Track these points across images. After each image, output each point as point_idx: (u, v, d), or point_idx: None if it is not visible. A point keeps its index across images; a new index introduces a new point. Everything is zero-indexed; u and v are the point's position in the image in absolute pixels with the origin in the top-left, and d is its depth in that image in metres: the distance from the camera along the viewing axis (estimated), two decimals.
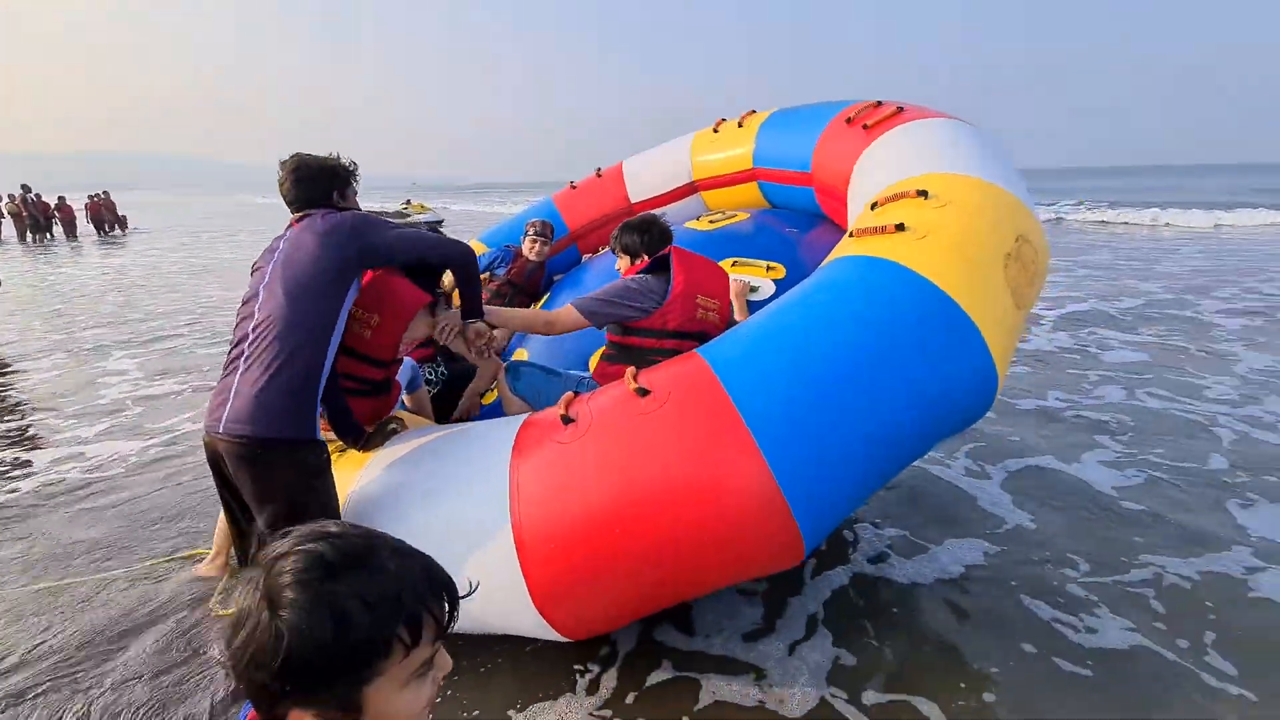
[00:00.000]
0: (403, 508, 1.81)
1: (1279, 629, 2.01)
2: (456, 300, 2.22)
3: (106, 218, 21.21)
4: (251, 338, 1.78)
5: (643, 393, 1.69)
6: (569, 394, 1.86)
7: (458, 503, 1.76)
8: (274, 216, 29.21)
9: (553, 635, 1.77)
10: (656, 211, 4.04)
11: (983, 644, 1.97)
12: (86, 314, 7.75)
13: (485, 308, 2.21)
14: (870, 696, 1.78)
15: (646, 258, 2.26)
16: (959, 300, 1.71)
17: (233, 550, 2.16)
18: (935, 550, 2.44)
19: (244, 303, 1.88)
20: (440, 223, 22.63)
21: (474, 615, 1.82)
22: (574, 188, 4.24)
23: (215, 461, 1.82)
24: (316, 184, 1.98)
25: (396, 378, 2.30)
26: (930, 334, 1.68)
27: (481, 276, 3.87)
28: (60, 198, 20.58)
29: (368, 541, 0.62)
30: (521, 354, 3.07)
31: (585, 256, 4.17)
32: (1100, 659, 1.90)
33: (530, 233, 3.77)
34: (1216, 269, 8.82)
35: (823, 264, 2.00)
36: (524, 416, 1.92)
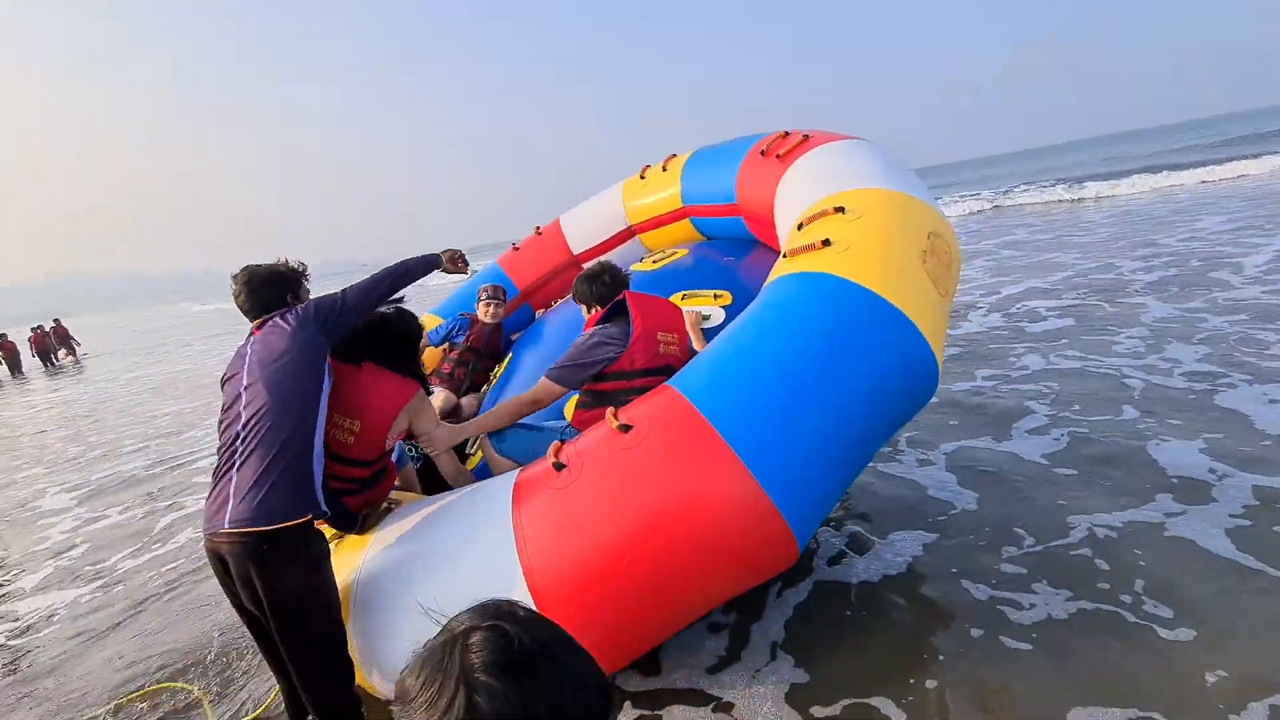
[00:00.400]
0: (415, 576, 1.86)
1: (1203, 567, 2.15)
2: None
3: (52, 347, 20.54)
4: (242, 435, 1.81)
5: (625, 429, 1.81)
6: (555, 442, 1.96)
7: (468, 562, 1.83)
8: (220, 320, 28.44)
9: None
10: (599, 260, 4.24)
11: (934, 636, 2.03)
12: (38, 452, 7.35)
13: (471, 422, 2.33)
14: (830, 710, 1.82)
15: (600, 307, 2.40)
16: (889, 298, 1.92)
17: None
18: (883, 546, 2.52)
19: (225, 409, 1.92)
20: (401, 299, 23.33)
21: None
22: (516, 249, 4.39)
23: (221, 567, 1.82)
24: (269, 291, 2.04)
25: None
26: (870, 332, 1.88)
27: (442, 346, 3.95)
28: (1, 334, 20.12)
29: (550, 631, 0.62)
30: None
31: (539, 312, 4.30)
32: (1047, 631, 1.98)
33: (483, 297, 3.89)
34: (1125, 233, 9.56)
35: (765, 285, 2.20)
36: (515, 472, 2.01)
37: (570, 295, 4.07)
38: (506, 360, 3.86)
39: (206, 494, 1.87)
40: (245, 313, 2.06)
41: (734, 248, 3.53)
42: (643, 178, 3.98)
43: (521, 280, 4.26)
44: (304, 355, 1.89)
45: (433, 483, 2.89)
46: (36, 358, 20.44)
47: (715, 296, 2.96)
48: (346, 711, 1.87)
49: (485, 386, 3.76)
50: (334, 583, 1.90)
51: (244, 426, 1.83)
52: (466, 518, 1.94)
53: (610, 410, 1.92)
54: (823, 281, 1.98)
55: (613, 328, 2.28)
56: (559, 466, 1.84)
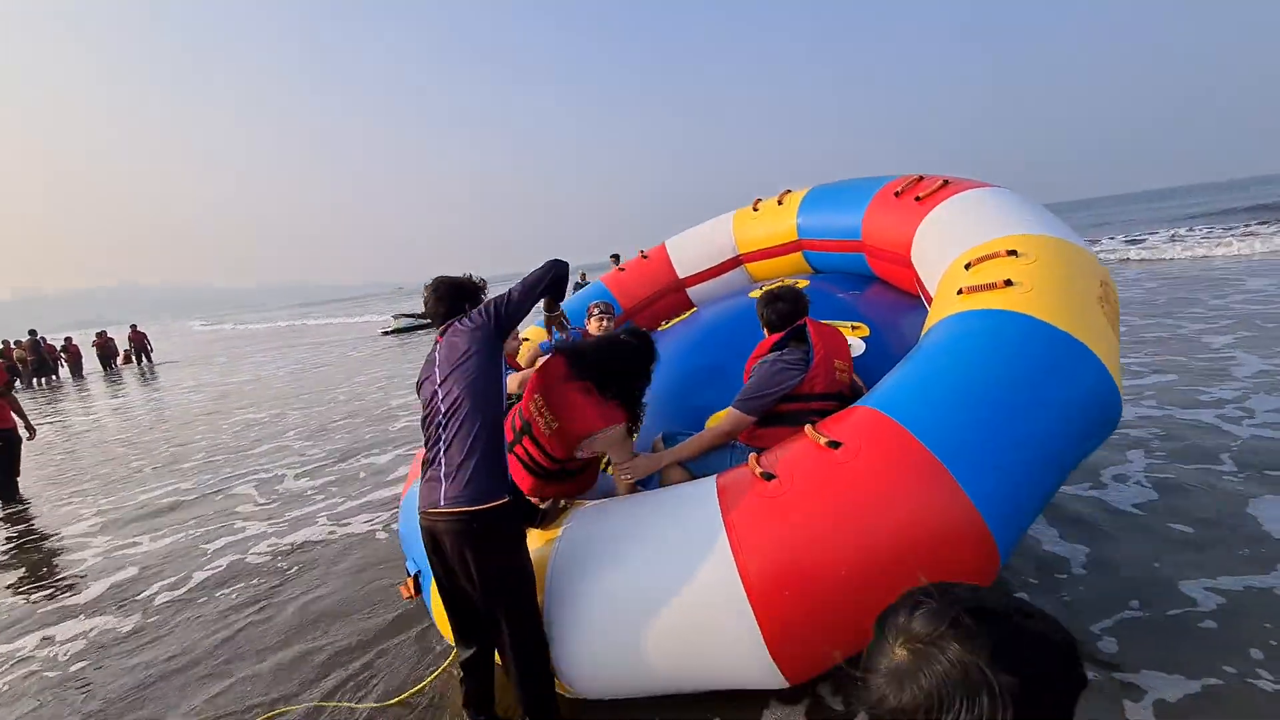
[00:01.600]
0: (619, 569, 1.96)
1: None
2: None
3: (114, 351, 21.76)
4: (444, 424, 1.99)
5: (834, 445, 1.92)
6: (753, 454, 2.07)
7: (678, 558, 1.92)
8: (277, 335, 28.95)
9: (778, 682, 1.90)
10: (705, 285, 4.38)
11: None
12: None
13: (668, 452, 2.44)
14: None
15: (777, 331, 2.50)
16: (1078, 336, 2.04)
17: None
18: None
19: (426, 407, 2.10)
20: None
21: (701, 670, 1.94)
22: (622, 270, 4.55)
23: (435, 544, 1.97)
24: (454, 300, 2.23)
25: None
26: (1065, 365, 1.99)
27: None
28: (67, 338, 21.28)
29: (1023, 608, 0.65)
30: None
31: None
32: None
33: (595, 313, 4.02)
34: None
35: (940, 319, 2.31)
36: (714, 478, 2.11)
37: (669, 320, 4.20)
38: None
39: (421, 479, 2.02)
40: (431, 318, 2.25)
41: (849, 283, 3.66)
42: (756, 209, 4.15)
43: (626, 300, 4.41)
44: (482, 350, 2.05)
45: None
46: (98, 362, 21.44)
47: (853, 328, 3.07)
48: (547, 681, 2.00)
49: None
50: (531, 563, 2.02)
51: (444, 417, 2.00)
52: (671, 515, 2.03)
53: (810, 426, 2.03)
54: (1014, 318, 2.09)
55: (792, 354, 2.39)
56: (768, 476, 1.95)
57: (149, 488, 5.91)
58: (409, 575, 2.58)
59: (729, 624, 1.82)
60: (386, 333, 22.14)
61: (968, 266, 2.45)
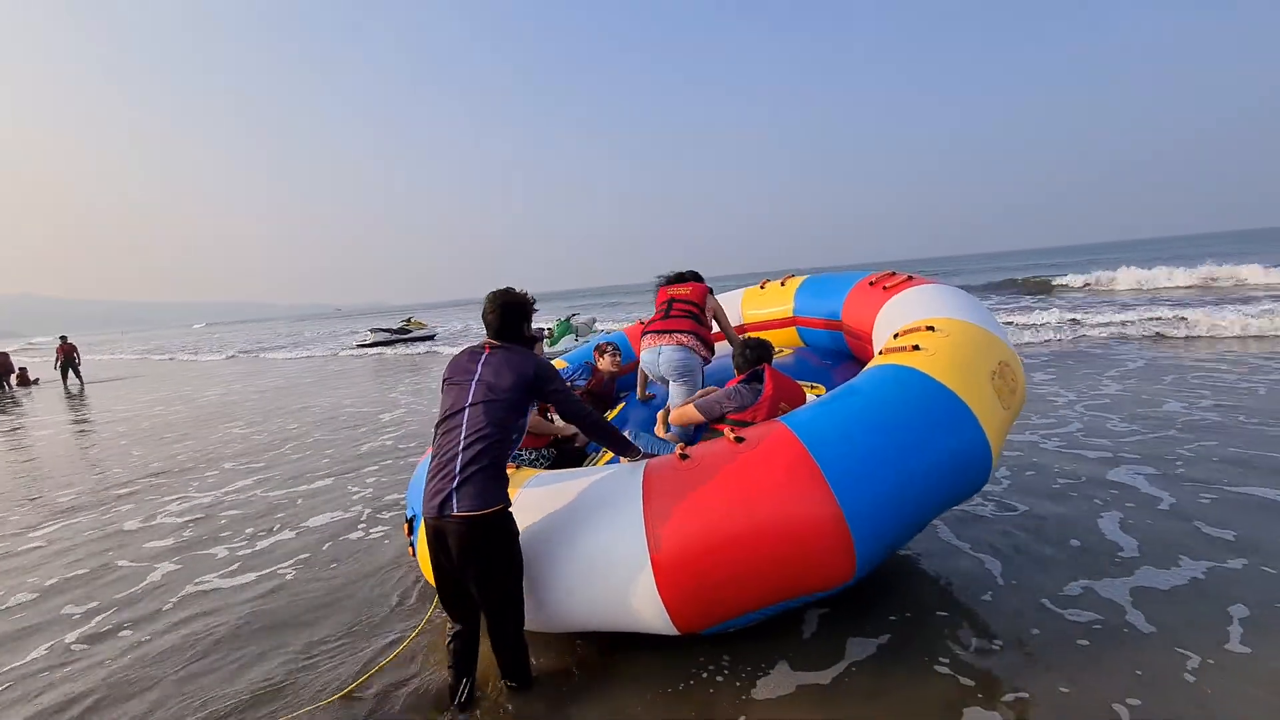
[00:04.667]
0: (555, 538, 2.44)
1: None
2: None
3: (8, 369, 19.82)
4: (464, 444, 2.29)
5: (739, 440, 2.41)
6: (681, 443, 2.57)
7: (604, 518, 2.39)
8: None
9: (669, 629, 2.30)
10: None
11: None
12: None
13: (676, 411, 3.15)
14: None
15: (741, 373, 3.09)
16: (960, 395, 2.48)
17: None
18: None
19: (447, 413, 2.38)
20: (434, 335, 26.95)
21: (610, 613, 2.36)
22: (643, 323, 5.20)
23: (440, 541, 2.27)
24: (509, 317, 2.53)
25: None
26: (942, 415, 2.43)
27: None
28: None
29: None
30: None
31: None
32: None
33: (607, 350, 4.66)
34: None
35: (861, 371, 2.80)
36: (645, 461, 2.60)
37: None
38: (619, 407, 4.55)
39: (426, 481, 2.34)
40: (489, 327, 2.54)
41: (829, 355, 4.17)
42: (762, 288, 4.78)
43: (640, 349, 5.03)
44: (520, 400, 2.41)
45: None
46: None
47: (812, 387, 3.56)
48: (521, 645, 2.40)
49: None
50: (521, 553, 2.38)
51: (465, 437, 2.30)
52: (610, 482, 2.52)
53: (729, 427, 2.53)
54: (911, 373, 2.56)
55: (747, 387, 2.97)
56: (684, 457, 2.44)
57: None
58: (406, 519, 3.12)
59: (634, 572, 2.26)
60: (363, 345, 25.81)
61: (895, 336, 2.95)
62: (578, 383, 4.63)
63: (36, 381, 20.56)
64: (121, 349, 45.70)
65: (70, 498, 5.96)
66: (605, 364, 4.64)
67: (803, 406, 2.63)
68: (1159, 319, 11.37)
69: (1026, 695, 2.20)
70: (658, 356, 3.69)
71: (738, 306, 4.86)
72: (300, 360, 23.09)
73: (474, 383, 2.40)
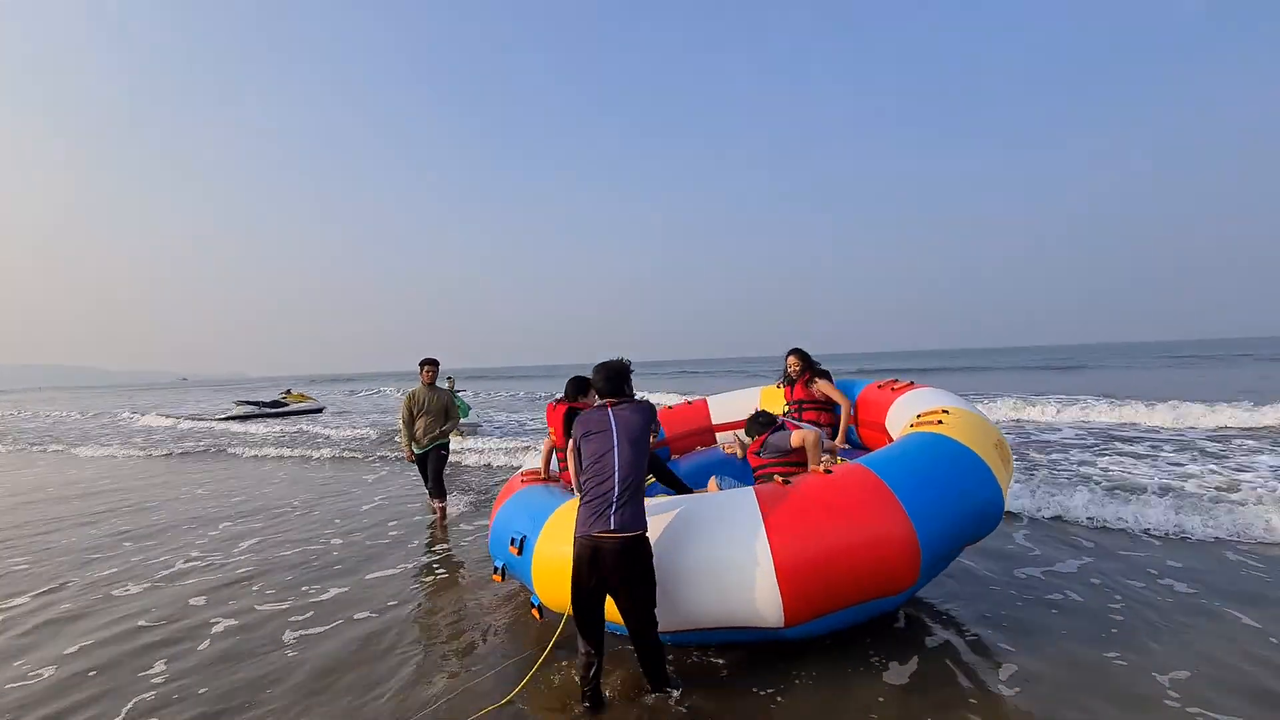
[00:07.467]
0: (683, 550, 3.05)
1: None
2: None
3: None
4: (618, 477, 2.84)
5: (828, 472, 3.19)
6: (779, 478, 3.32)
7: (728, 531, 3.03)
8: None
9: (780, 621, 2.89)
10: (727, 433, 5.81)
11: None
12: None
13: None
14: None
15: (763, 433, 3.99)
16: (980, 455, 3.40)
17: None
18: None
19: (598, 456, 2.90)
20: (321, 409, 25.90)
21: (722, 610, 2.95)
22: (671, 409, 6.01)
23: (595, 556, 2.76)
24: (618, 381, 3.13)
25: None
26: (970, 469, 3.31)
27: None
28: None
29: None
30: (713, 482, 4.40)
31: (674, 455, 5.73)
32: None
33: None
34: None
35: (900, 435, 3.69)
36: (751, 487, 3.29)
37: (700, 447, 5.57)
38: (648, 481, 5.21)
39: (581, 506, 2.89)
40: (599, 391, 3.14)
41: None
42: (779, 387, 5.74)
43: (670, 430, 5.79)
44: (645, 436, 3.01)
45: None
46: None
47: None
48: (661, 647, 2.92)
49: None
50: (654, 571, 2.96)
51: (617, 470, 2.85)
52: (726, 504, 3.17)
53: (818, 465, 3.32)
54: (944, 438, 3.47)
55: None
56: (786, 481, 3.18)
57: None
58: (514, 542, 3.61)
59: (759, 573, 2.87)
60: (229, 416, 24.60)
61: (919, 416, 3.91)
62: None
63: None
64: None
65: None
66: None
67: (869, 454, 3.46)
68: None
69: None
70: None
71: (755, 400, 5.78)
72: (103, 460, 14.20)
73: (614, 430, 2.95)
